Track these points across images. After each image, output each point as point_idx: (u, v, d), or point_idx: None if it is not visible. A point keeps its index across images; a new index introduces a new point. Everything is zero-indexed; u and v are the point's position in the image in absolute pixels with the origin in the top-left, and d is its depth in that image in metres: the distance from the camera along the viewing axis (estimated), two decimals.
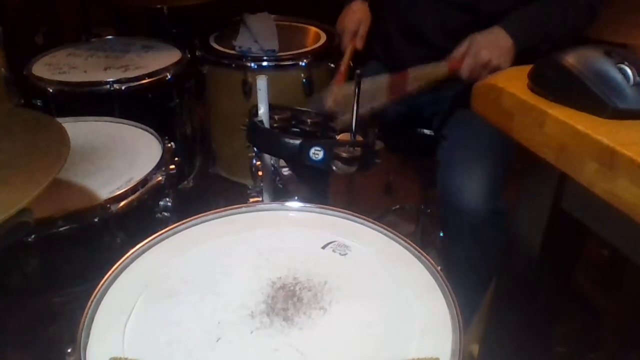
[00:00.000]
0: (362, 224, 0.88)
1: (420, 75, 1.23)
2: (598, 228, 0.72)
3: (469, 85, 0.85)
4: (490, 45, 1.16)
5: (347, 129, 1.00)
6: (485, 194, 1.16)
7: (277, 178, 1.20)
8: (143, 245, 0.81)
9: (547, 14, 1.19)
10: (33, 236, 0.97)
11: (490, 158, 1.21)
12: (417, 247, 0.81)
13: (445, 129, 1.34)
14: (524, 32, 1.18)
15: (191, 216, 0.88)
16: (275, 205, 0.94)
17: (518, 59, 1.17)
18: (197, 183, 1.83)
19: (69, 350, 0.65)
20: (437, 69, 1.22)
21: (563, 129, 0.66)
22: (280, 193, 1.18)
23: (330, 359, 0.64)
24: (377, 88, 1.25)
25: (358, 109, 0.97)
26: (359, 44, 1.39)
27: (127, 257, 0.78)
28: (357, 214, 0.89)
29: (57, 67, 1.64)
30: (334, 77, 1.37)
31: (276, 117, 1.06)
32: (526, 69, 0.77)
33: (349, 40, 1.40)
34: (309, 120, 1.09)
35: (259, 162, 1.14)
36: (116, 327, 0.67)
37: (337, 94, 1.27)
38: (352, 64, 1.46)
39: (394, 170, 2.03)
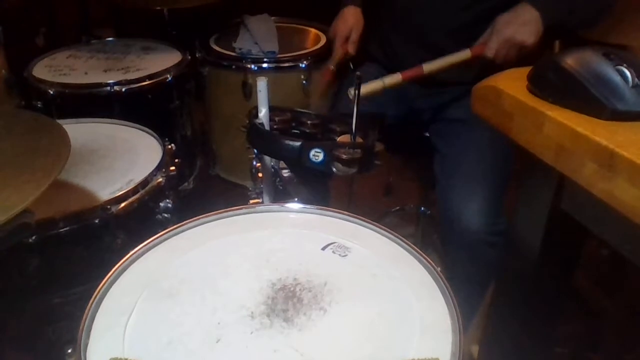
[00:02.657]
0: (362, 225, 0.88)
1: (436, 64, 1.21)
2: (597, 229, 0.72)
3: (468, 93, 0.85)
4: (514, 20, 1.13)
5: (347, 130, 1.00)
6: (484, 215, 1.16)
7: (277, 179, 1.20)
8: (143, 246, 0.81)
9: None
10: (34, 237, 0.97)
11: (488, 177, 1.21)
12: (417, 249, 0.81)
13: (442, 143, 1.34)
14: (550, 3, 1.15)
15: (191, 217, 0.88)
16: (275, 206, 0.94)
17: (521, 61, 1.17)
18: (197, 184, 1.84)
19: (69, 351, 0.65)
20: (457, 55, 1.19)
21: (562, 130, 0.66)
22: (281, 194, 1.19)
23: None
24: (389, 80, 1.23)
25: (358, 110, 0.97)
26: (351, 48, 1.39)
27: (128, 258, 0.79)
28: (357, 216, 0.89)
29: (58, 69, 1.64)
30: (321, 74, 1.38)
31: (276, 118, 1.06)
32: (525, 70, 0.77)
33: (340, 45, 1.40)
34: (309, 122, 1.09)
35: (259, 164, 1.14)
36: (116, 327, 0.67)
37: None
38: (352, 66, 1.46)
39: (394, 171, 2.04)
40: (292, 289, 0.73)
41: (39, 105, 1.55)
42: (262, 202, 1.13)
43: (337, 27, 1.41)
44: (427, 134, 1.42)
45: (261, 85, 0.99)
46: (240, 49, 1.78)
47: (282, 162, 1.21)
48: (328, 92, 1.40)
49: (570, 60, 0.71)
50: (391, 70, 1.42)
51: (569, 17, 1.17)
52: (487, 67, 1.15)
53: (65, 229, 1.00)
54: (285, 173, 1.21)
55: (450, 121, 1.34)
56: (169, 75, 1.62)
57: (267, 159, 1.12)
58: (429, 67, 1.20)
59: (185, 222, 0.88)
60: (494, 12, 1.23)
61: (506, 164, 1.23)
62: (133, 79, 1.56)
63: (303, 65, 1.75)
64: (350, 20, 1.40)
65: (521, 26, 1.13)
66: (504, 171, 1.23)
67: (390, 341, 0.66)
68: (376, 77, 1.42)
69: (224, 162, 2.00)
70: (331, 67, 1.38)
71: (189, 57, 1.77)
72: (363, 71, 1.40)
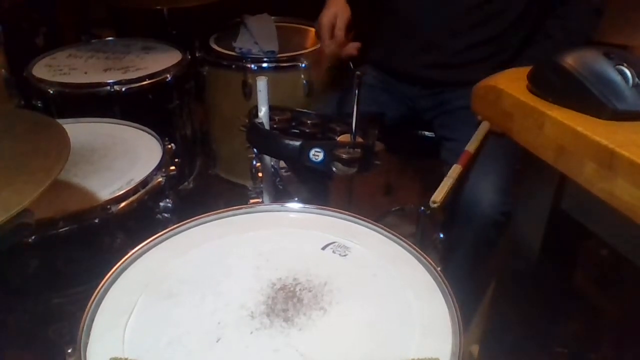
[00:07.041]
0: (362, 225, 0.88)
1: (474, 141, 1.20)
2: (597, 228, 0.72)
3: (469, 84, 0.85)
4: None
5: (347, 130, 1.00)
6: (498, 195, 1.15)
7: (277, 179, 1.20)
8: (143, 246, 0.81)
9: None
10: (33, 237, 0.97)
11: (499, 155, 1.19)
12: (417, 248, 0.81)
13: (448, 131, 1.34)
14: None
15: (191, 217, 0.88)
16: (275, 206, 0.94)
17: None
18: (197, 184, 1.84)
19: (69, 351, 0.65)
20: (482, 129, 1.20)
21: (562, 130, 0.66)
22: (280, 194, 1.19)
23: None
24: None
25: (358, 110, 0.97)
26: (339, 36, 1.31)
27: (128, 257, 0.79)
28: (357, 215, 0.89)
29: (58, 69, 1.64)
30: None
31: (276, 118, 1.06)
32: (525, 70, 0.77)
33: (327, 37, 1.31)
34: (309, 122, 1.09)
35: (259, 164, 1.14)
36: (116, 327, 0.67)
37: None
38: (352, 66, 1.46)
39: (394, 171, 2.03)
40: (292, 288, 0.73)
41: (38, 105, 1.55)
42: (262, 202, 1.13)
43: (320, 18, 1.34)
44: (429, 133, 1.42)
45: (261, 84, 0.99)
46: (240, 48, 1.78)
47: (282, 161, 1.21)
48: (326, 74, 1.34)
49: (571, 60, 0.70)
50: (390, 72, 1.41)
51: None
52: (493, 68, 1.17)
53: (65, 229, 1.00)
54: (285, 173, 1.21)
55: (453, 110, 1.34)
56: (168, 75, 1.62)
57: (267, 158, 1.12)
58: (471, 146, 1.18)
59: (185, 222, 0.88)
60: (498, 13, 1.23)
61: (513, 143, 1.22)
62: (133, 79, 1.56)
63: (303, 65, 1.75)
64: (332, 8, 1.34)
65: None
66: (513, 149, 1.22)
67: (390, 341, 0.66)
68: (374, 78, 1.42)
69: (224, 162, 2.00)
70: (322, 66, 1.34)
71: (189, 57, 1.77)
72: (362, 72, 1.40)
